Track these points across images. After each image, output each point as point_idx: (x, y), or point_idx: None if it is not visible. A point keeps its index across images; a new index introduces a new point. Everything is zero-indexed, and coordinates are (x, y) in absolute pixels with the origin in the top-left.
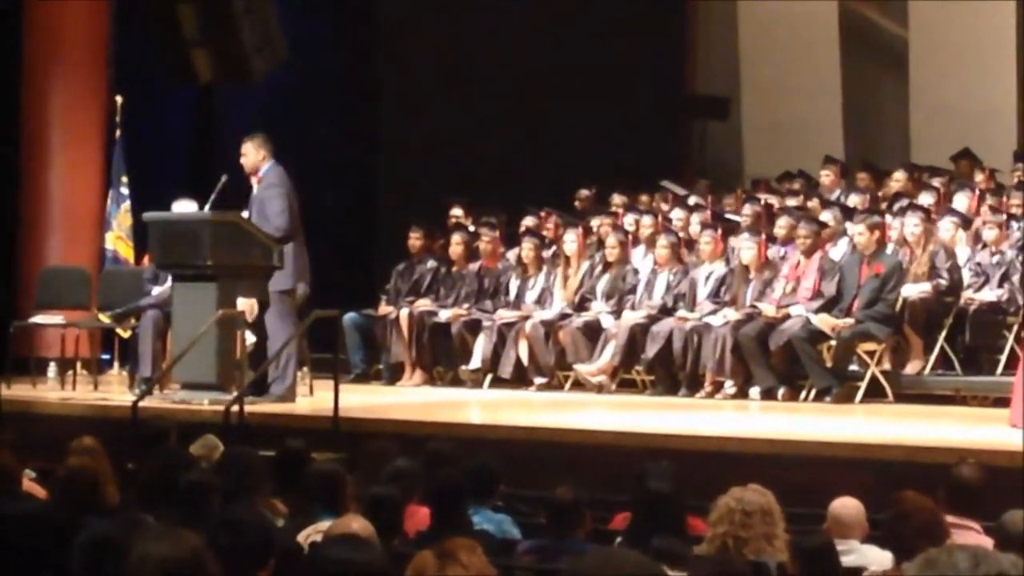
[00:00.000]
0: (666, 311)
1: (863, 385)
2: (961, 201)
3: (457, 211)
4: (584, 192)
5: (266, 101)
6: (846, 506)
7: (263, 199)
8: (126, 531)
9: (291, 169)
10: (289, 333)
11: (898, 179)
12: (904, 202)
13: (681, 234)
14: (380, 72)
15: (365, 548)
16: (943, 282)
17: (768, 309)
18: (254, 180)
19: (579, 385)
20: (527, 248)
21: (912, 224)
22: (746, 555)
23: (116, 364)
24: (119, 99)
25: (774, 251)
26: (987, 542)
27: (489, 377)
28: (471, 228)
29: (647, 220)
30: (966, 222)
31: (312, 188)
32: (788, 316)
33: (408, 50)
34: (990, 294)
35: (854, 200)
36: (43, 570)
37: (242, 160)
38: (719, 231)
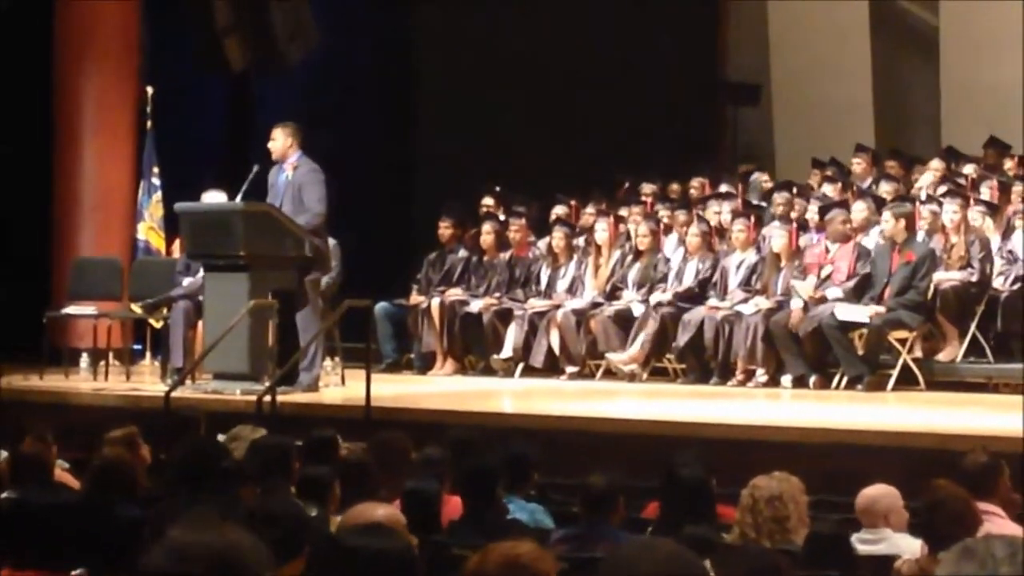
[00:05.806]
0: (694, 296)
1: (895, 373)
2: (983, 192)
3: (488, 200)
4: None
5: (300, 90)
6: (878, 494)
7: (301, 184)
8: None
9: (324, 158)
10: (317, 322)
11: (936, 168)
12: (944, 188)
13: (712, 222)
14: (414, 61)
15: (395, 537)
16: (974, 270)
17: (805, 287)
18: (288, 168)
19: (610, 374)
20: (558, 237)
21: (951, 211)
22: (774, 542)
23: (148, 354)
24: (150, 89)
25: (806, 239)
26: (1014, 528)
27: (520, 366)
28: (502, 217)
29: (679, 212)
30: (992, 209)
31: (346, 177)
32: (824, 299)
33: (443, 38)
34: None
35: (885, 188)
36: (77, 559)
37: (270, 145)
38: (751, 219)
